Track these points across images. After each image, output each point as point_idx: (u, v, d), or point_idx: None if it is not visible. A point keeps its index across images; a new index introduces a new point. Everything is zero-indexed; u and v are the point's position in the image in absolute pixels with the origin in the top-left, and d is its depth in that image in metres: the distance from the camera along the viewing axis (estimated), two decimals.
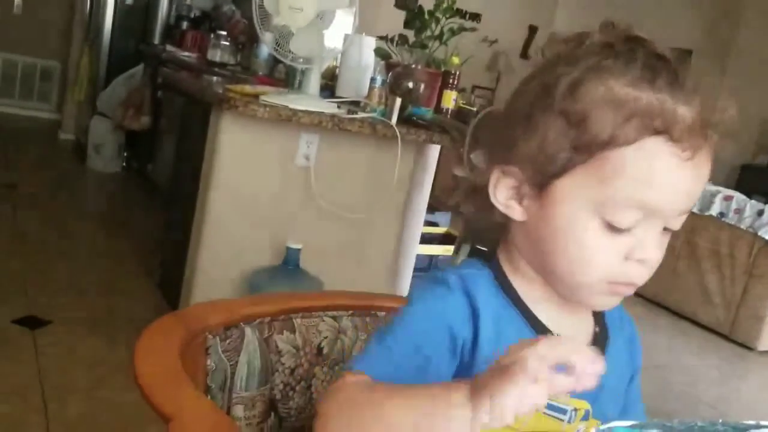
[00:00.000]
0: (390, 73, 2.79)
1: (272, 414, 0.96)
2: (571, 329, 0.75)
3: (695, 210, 4.30)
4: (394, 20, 3.12)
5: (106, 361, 2.38)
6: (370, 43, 2.84)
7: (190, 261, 2.60)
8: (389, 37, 2.97)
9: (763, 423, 0.55)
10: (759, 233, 4.18)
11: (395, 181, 2.66)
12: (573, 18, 7.47)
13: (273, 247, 2.57)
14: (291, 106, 2.35)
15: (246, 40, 4.65)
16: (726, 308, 4.35)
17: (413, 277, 3.17)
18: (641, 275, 0.69)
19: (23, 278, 2.95)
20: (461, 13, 2.94)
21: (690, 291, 4.50)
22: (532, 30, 8.14)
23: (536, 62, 0.73)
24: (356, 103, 2.66)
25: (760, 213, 4.22)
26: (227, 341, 0.91)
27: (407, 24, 2.94)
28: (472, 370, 0.69)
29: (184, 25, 5.41)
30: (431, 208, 3.36)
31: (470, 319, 0.70)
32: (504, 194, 0.72)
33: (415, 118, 2.67)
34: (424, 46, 2.91)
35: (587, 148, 0.65)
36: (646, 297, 4.56)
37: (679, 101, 0.64)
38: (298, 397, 0.99)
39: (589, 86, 0.66)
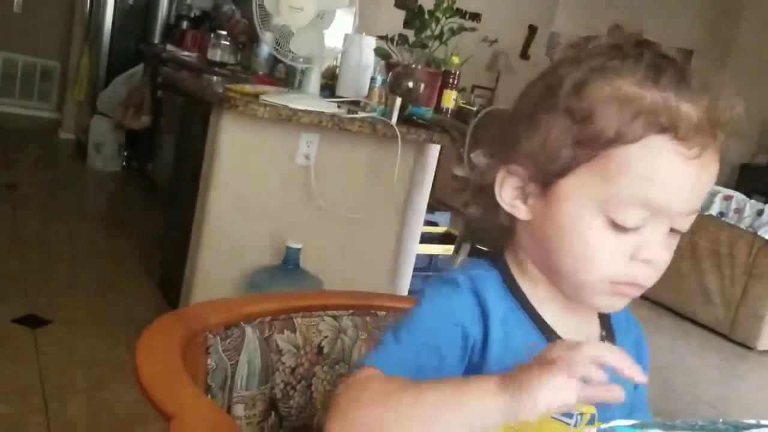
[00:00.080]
0: (390, 73, 2.79)
1: (273, 413, 0.96)
2: (576, 331, 0.75)
3: None
4: (394, 20, 3.11)
5: (106, 360, 2.38)
6: (370, 42, 2.84)
7: (190, 261, 2.60)
8: (389, 36, 2.97)
9: (763, 422, 0.55)
10: (759, 233, 4.18)
11: (395, 180, 2.67)
12: (573, 18, 7.47)
13: (273, 247, 2.57)
14: (291, 105, 2.35)
15: (246, 40, 4.66)
16: (726, 308, 4.35)
17: (413, 276, 3.17)
18: (646, 276, 0.68)
19: (23, 278, 2.95)
20: (461, 13, 2.94)
21: (690, 291, 4.50)
22: (532, 30, 8.14)
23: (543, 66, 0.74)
24: (356, 103, 2.67)
25: (760, 213, 4.23)
26: (228, 340, 0.91)
27: (407, 24, 2.94)
28: (481, 371, 0.69)
29: (184, 24, 5.41)
30: (431, 208, 3.36)
31: (480, 319, 0.70)
32: (509, 194, 0.72)
33: (415, 118, 2.67)
34: (424, 46, 2.91)
35: (591, 145, 0.65)
36: (648, 298, 4.56)
37: (684, 99, 0.64)
38: (298, 397, 0.99)
39: (595, 86, 0.66)
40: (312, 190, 2.60)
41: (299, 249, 2.45)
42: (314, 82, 2.50)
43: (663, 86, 0.64)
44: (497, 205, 0.73)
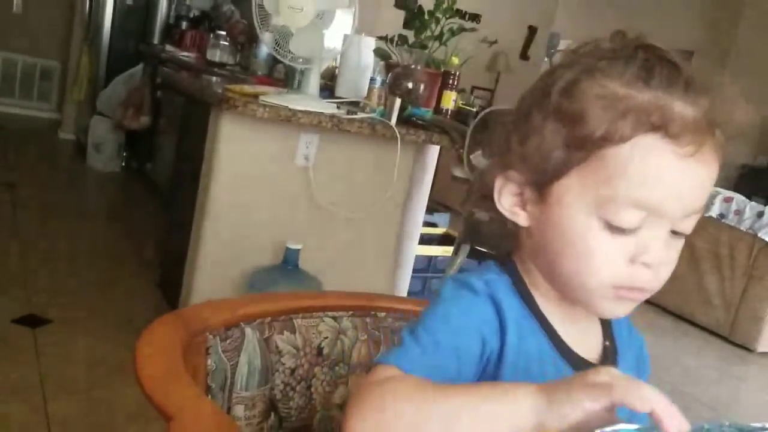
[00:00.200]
0: (389, 74, 2.79)
1: (272, 414, 0.97)
2: (580, 339, 0.74)
3: None
4: (394, 20, 3.11)
5: (106, 361, 2.38)
6: (369, 43, 2.84)
7: (189, 261, 2.60)
8: (389, 37, 2.96)
9: None
10: (759, 235, 4.19)
11: (394, 181, 2.67)
12: (573, 19, 7.47)
13: (272, 247, 2.57)
14: (290, 106, 2.35)
15: (245, 40, 4.66)
16: (726, 310, 4.35)
17: (412, 277, 3.17)
18: (648, 279, 0.67)
19: (23, 278, 2.95)
20: (461, 14, 2.94)
21: (690, 293, 4.50)
22: (532, 30, 8.14)
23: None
24: (356, 104, 2.67)
25: (760, 214, 4.23)
26: (227, 341, 0.91)
27: (407, 24, 2.94)
28: (497, 379, 0.69)
29: (184, 25, 5.41)
30: (430, 209, 3.36)
31: (498, 327, 0.70)
32: (508, 201, 0.72)
33: (414, 119, 2.67)
34: (423, 47, 2.91)
35: (582, 146, 0.65)
36: (647, 300, 4.55)
37: (677, 98, 0.63)
38: (298, 397, 0.99)
39: (584, 86, 0.66)
40: (311, 190, 2.60)
41: (299, 250, 2.45)
42: (313, 82, 2.50)
43: (654, 86, 0.64)
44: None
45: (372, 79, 2.65)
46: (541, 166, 0.68)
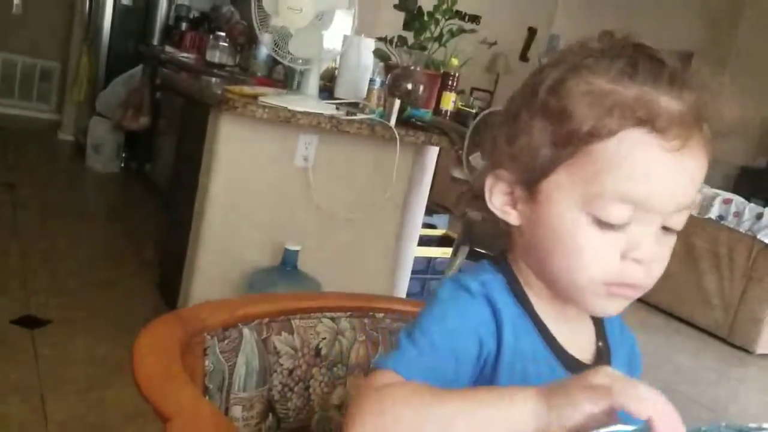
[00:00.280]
0: (389, 75, 2.79)
1: (270, 415, 0.97)
2: (573, 339, 0.75)
3: (693, 213, 4.30)
4: (394, 22, 3.11)
5: (105, 361, 2.38)
6: (369, 44, 2.84)
7: (189, 261, 2.60)
8: (388, 38, 2.97)
9: (765, 425, 0.55)
10: (758, 236, 4.19)
11: (393, 182, 2.67)
12: (573, 20, 7.47)
13: (271, 248, 2.57)
14: (290, 107, 2.35)
15: (245, 41, 4.66)
16: (725, 311, 4.35)
17: (411, 279, 3.17)
18: (639, 276, 0.67)
19: (22, 278, 2.95)
20: (460, 15, 2.94)
21: (689, 294, 4.50)
22: (532, 32, 8.15)
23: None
24: (355, 105, 2.67)
25: (759, 216, 4.23)
26: (225, 342, 0.91)
27: (406, 25, 2.94)
28: (493, 381, 0.69)
29: (183, 26, 5.42)
30: (429, 210, 3.36)
31: (494, 328, 0.70)
32: (499, 200, 0.73)
33: (413, 120, 2.67)
34: (423, 48, 2.91)
35: (569, 142, 0.66)
36: (646, 300, 4.56)
37: (662, 92, 0.64)
38: (296, 398, 0.99)
39: (570, 83, 0.66)
40: (310, 191, 2.60)
41: (297, 251, 2.45)
42: (313, 83, 2.50)
43: (639, 81, 0.64)
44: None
45: (371, 81, 2.65)
46: (530, 164, 0.69)
